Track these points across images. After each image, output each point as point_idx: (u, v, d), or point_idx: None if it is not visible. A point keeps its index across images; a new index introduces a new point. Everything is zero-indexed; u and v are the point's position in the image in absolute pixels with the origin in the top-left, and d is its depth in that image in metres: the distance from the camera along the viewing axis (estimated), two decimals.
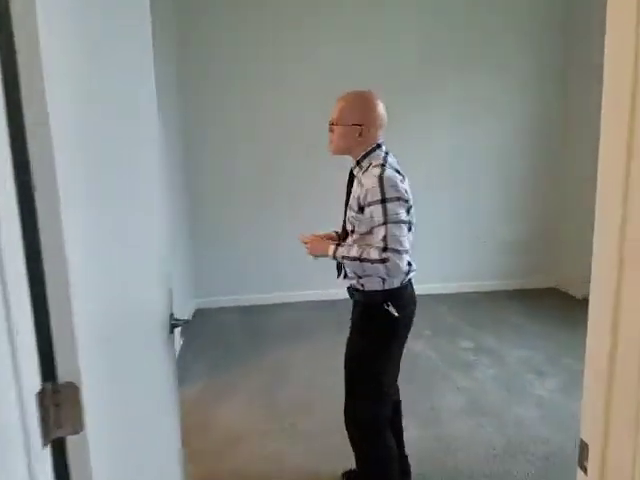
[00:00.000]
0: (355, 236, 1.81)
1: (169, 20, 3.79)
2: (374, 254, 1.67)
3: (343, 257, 1.75)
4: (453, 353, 3.43)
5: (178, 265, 3.83)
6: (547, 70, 4.53)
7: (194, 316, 4.24)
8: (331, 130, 1.83)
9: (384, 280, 1.77)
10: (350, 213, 1.80)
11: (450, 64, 4.38)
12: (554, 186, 4.71)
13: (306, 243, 1.87)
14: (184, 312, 4.01)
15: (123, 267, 1.03)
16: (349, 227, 1.83)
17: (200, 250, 4.33)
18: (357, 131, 1.78)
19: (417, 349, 3.48)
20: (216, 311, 4.31)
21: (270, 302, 4.43)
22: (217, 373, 3.25)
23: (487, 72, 4.45)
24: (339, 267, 1.92)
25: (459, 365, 3.25)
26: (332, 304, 4.36)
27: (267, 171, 4.30)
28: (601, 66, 0.80)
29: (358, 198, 1.73)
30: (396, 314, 1.77)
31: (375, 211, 1.67)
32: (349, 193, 1.85)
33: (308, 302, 4.44)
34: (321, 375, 3.16)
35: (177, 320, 1.46)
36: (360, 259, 1.69)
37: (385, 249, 1.65)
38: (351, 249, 1.73)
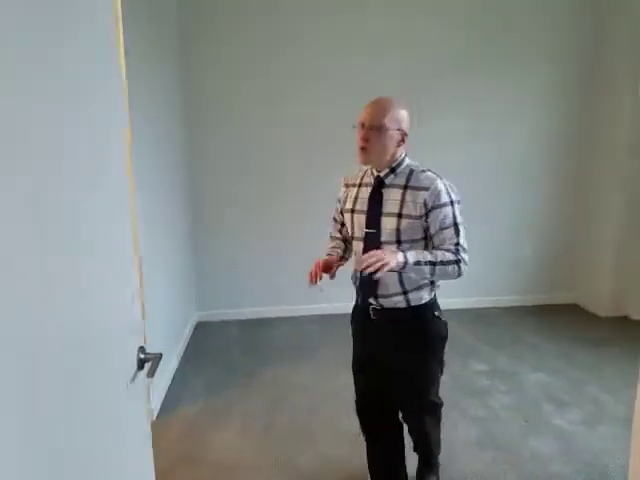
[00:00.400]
0: (405, 245, 1.72)
1: (170, 20, 3.66)
2: (449, 255, 1.67)
3: (417, 263, 1.63)
4: (467, 377, 3.20)
5: (179, 277, 3.69)
6: (572, 74, 4.28)
7: (196, 329, 4.08)
8: (366, 137, 1.71)
9: (431, 289, 1.80)
10: (403, 221, 1.70)
11: (456, 68, 4.16)
12: (577, 198, 4.46)
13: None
14: (186, 325, 3.86)
15: (58, 290, 0.85)
16: (391, 238, 1.72)
17: (202, 261, 4.18)
18: (400, 136, 1.75)
19: None
20: (218, 325, 4.15)
21: (272, 315, 4.24)
22: (216, 392, 3.08)
23: (504, 76, 4.23)
24: (368, 288, 1.78)
25: (473, 391, 3.03)
26: (336, 319, 4.17)
27: (270, 178, 4.14)
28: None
29: (424, 202, 1.68)
30: (444, 319, 1.84)
31: (445, 212, 1.69)
32: (377, 202, 1.75)
33: (311, 316, 4.25)
34: (324, 398, 2.97)
35: (148, 354, 1.28)
36: (436, 263, 1.65)
37: (458, 250, 1.68)
38: (423, 254, 1.66)
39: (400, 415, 2.03)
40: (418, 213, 1.69)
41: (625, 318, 4.14)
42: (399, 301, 1.75)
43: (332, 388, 3.05)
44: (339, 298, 4.41)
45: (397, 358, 1.83)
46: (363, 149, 1.72)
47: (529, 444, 2.52)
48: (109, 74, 1.11)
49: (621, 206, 4.07)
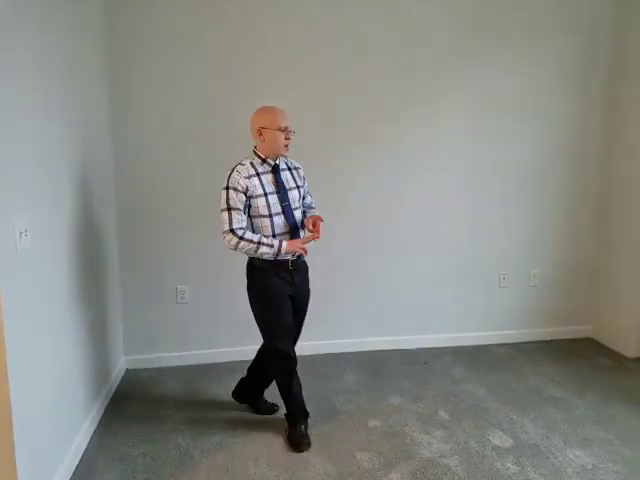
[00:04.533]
0: (300, 202, 2.48)
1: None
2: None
3: None
4: (487, 457, 2.36)
5: (100, 308, 2.72)
6: (590, 56, 3.55)
7: (122, 381, 3.10)
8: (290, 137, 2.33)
9: None
10: (301, 191, 2.46)
11: (452, 51, 3.37)
12: (596, 212, 3.72)
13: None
14: (108, 376, 2.89)
15: None
16: (297, 204, 2.42)
17: (131, 287, 3.21)
18: None
19: (432, 450, 2.42)
20: (153, 374, 3.18)
21: (227, 360, 3.31)
22: None
23: (506, 60, 3.45)
24: (298, 237, 2.40)
25: None
26: (312, 361, 3.30)
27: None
28: None
29: (303, 176, 2.50)
30: None
31: (307, 181, 2.55)
32: (281, 183, 2.35)
33: None
34: None
35: None
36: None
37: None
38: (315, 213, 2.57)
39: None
40: (302, 184, 2.47)
41: None
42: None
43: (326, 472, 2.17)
44: (323, 337, 3.58)
45: (306, 291, 2.53)
46: (288, 146, 2.32)
47: None
48: None
49: None
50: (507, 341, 3.72)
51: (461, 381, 3.13)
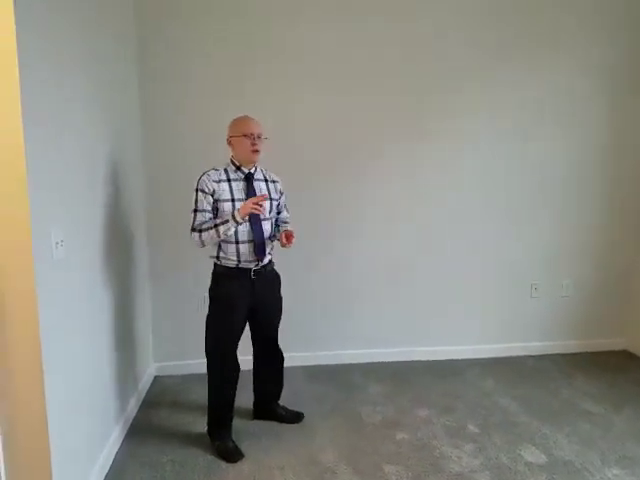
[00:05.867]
0: (271, 219, 2.45)
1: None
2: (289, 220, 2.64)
3: None
4: (518, 475, 2.27)
5: (131, 316, 2.76)
6: (631, 57, 3.46)
7: (150, 388, 3.14)
8: (259, 143, 2.33)
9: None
10: (274, 203, 2.44)
11: (483, 52, 3.33)
12: (628, 220, 3.62)
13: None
14: (138, 383, 2.92)
15: None
16: (267, 215, 2.38)
17: (160, 297, 3.26)
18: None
19: (462, 464, 2.36)
20: (180, 381, 3.21)
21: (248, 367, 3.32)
22: None
23: (540, 65, 3.39)
24: (262, 252, 2.36)
25: None
26: (337, 370, 3.28)
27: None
28: None
29: (280, 190, 2.52)
30: None
31: (285, 194, 2.58)
32: (253, 191, 2.34)
33: (304, 368, 3.35)
34: None
35: None
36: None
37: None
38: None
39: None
40: (277, 197, 2.47)
41: None
42: (269, 259, 2.44)
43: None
44: (328, 347, 3.59)
45: (272, 300, 2.51)
46: (258, 152, 2.33)
47: None
48: None
49: None
50: (538, 353, 3.63)
51: (491, 394, 3.06)
